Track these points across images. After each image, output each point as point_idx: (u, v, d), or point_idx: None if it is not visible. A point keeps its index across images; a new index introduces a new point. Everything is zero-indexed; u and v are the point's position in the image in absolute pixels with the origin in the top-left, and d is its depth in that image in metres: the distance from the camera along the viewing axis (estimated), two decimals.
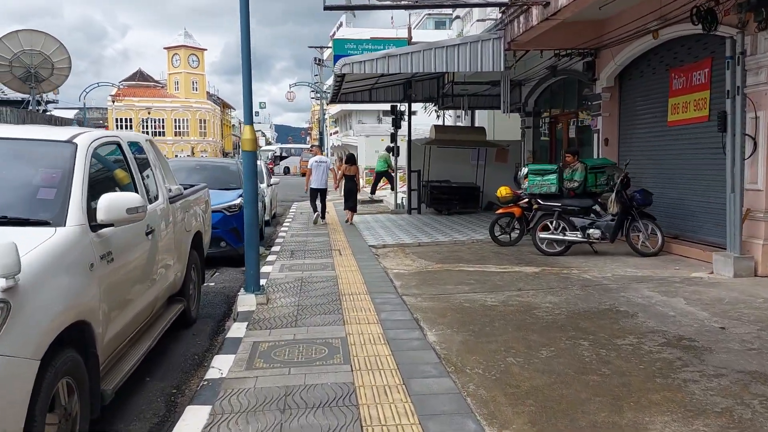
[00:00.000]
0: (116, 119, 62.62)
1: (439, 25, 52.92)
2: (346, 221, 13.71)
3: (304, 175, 46.38)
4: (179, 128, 66.84)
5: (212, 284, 8.17)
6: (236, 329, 5.46)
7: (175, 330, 5.67)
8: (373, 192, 21.66)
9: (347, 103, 18.64)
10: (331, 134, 58.72)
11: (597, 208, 9.43)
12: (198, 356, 5.22)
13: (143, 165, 4.96)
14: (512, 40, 10.27)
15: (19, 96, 34.48)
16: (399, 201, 16.93)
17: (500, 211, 10.22)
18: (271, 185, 15.06)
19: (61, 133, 3.89)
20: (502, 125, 18.59)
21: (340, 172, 14.36)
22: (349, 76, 12.32)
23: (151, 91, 67.33)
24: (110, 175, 4.27)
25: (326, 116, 53.51)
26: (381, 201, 20.89)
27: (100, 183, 3.90)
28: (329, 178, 14.73)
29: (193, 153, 59.76)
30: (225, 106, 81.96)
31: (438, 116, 18.28)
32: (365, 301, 6.48)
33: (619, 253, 9.14)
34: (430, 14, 54.49)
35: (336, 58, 17.20)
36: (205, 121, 68.76)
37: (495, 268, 8.33)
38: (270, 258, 9.35)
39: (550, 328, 5.38)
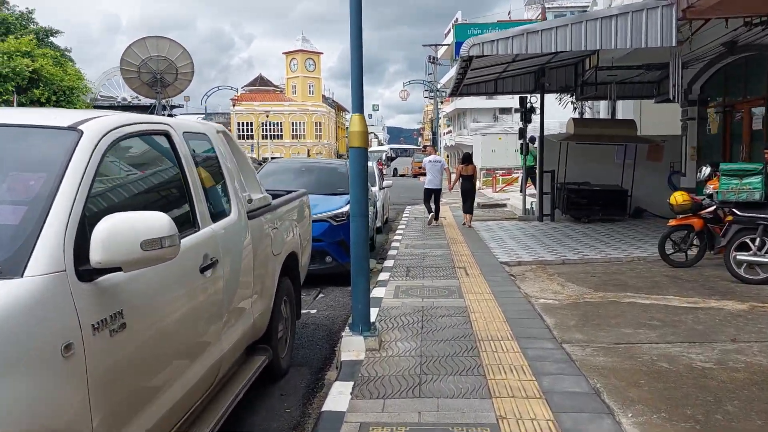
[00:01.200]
0: (238, 123, 65.05)
1: (559, 18, 49.57)
2: (463, 224, 12.81)
3: (416, 176, 45.08)
4: (296, 131, 68.13)
5: (313, 311, 6.69)
6: (337, 394, 3.89)
7: (257, 386, 4.21)
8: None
9: (470, 96, 16.95)
10: (444, 134, 56.97)
11: None
12: None
13: (211, 167, 3.50)
14: (689, 6, 8.01)
15: (149, 102, 36.12)
16: (528, 206, 14.84)
17: (674, 222, 7.99)
18: (384, 188, 13.63)
19: (65, 117, 2.46)
20: (649, 118, 15.91)
21: (455, 173, 13.44)
22: (475, 63, 10.55)
23: (270, 96, 69.20)
24: (143, 182, 2.80)
25: (440, 115, 51.85)
26: (504, 205, 18.82)
27: (118, 195, 2.44)
28: (443, 178, 13.63)
29: (309, 155, 60.47)
30: (339, 108, 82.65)
31: (575, 108, 15.94)
32: (513, 351, 4.70)
33: None
34: (549, 7, 51.19)
35: (458, 45, 15.49)
36: (320, 123, 69.57)
37: (679, 300, 6.22)
38: (382, 276, 7.79)
39: None
